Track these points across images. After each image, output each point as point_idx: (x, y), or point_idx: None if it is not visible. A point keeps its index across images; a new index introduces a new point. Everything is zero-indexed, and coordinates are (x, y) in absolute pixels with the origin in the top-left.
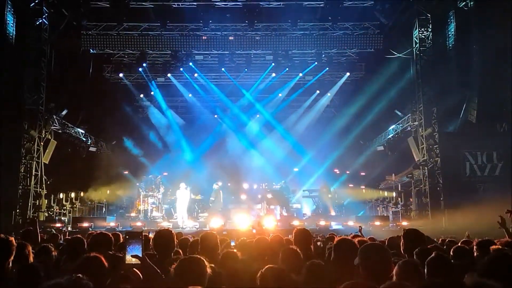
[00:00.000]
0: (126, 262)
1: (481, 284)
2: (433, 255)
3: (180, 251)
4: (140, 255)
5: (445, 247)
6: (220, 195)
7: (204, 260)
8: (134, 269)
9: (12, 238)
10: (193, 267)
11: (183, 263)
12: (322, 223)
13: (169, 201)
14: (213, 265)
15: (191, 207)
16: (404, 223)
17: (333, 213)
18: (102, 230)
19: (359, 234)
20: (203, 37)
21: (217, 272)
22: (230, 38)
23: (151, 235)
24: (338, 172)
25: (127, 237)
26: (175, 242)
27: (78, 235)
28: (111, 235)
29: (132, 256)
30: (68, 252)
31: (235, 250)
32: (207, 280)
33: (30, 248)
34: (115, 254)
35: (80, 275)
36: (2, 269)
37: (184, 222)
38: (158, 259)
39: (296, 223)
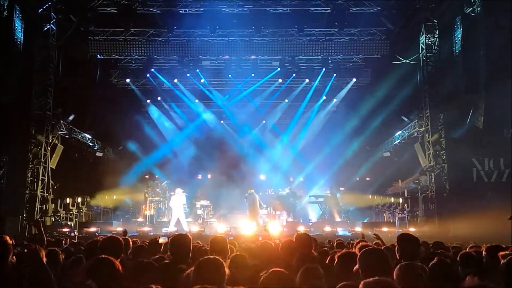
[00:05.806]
0: None
1: (482, 287)
2: (435, 260)
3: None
4: None
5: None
6: (256, 200)
7: (221, 260)
8: None
9: (7, 237)
10: (212, 267)
11: (201, 264)
12: (328, 229)
13: None
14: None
15: (197, 212)
16: (411, 229)
17: (339, 219)
18: (112, 234)
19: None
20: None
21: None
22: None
23: (162, 240)
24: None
25: None
26: (191, 247)
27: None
28: (121, 239)
29: None
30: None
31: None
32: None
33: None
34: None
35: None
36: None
37: (180, 227)
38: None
39: (302, 229)
